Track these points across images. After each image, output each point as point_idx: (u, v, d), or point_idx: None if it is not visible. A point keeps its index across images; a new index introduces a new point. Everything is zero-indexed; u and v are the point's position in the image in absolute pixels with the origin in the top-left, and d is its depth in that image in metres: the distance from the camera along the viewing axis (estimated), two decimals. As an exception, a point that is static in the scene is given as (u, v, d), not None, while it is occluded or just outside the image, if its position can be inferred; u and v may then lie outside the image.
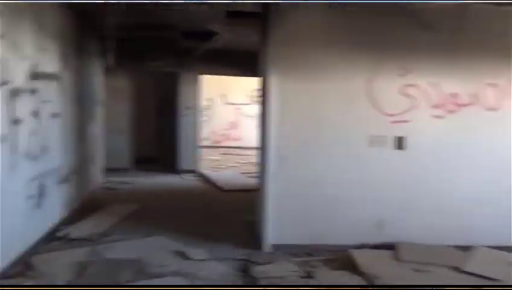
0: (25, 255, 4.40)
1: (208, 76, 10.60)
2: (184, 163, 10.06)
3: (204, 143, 12.64)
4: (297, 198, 5.03)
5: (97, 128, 8.05)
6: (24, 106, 4.43)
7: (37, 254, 4.54)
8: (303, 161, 5.02)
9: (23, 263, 4.27)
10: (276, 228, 5.00)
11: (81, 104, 6.62)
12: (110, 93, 9.26)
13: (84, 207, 6.44)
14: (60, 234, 5.19)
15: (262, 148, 5.23)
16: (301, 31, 4.94)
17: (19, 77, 4.30)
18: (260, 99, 5.38)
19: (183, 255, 4.69)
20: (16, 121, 4.23)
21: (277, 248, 4.96)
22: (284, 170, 4.99)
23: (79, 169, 6.57)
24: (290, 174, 5.00)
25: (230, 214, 6.53)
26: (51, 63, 5.23)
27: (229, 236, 5.40)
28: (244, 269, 4.43)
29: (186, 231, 5.55)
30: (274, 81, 4.94)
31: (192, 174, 9.76)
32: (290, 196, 5.02)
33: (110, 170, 8.96)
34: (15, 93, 4.20)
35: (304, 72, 4.97)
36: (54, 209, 5.38)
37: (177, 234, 5.40)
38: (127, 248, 4.86)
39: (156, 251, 4.81)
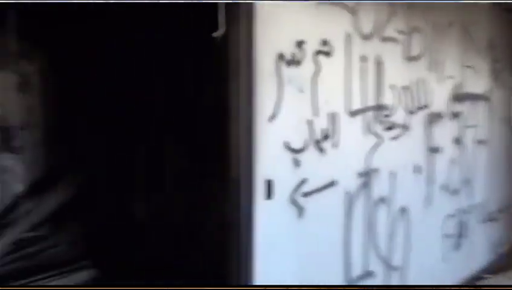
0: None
1: None
2: None
3: None
4: None
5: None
6: (444, 132, 3.94)
7: (453, 304, 3.91)
8: None
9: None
10: None
11: (514, 127, 5.56)
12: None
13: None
14: (481, 282, 4.36)
15: None
16: None
17: (439, 99, 3.85)
18: None
19: None
20: (433, 149, 3.80)
21: None
22: None
23: (509, 205, 5.49)
24: None
25: None
26: (477, 82, 4.52)
27: None
28: None
29: None
30: None
31: None
32: None
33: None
34: (434, 118, 3.78)
35: None
36: (477, 252, 4.59)
37: None
38: None
39: None
